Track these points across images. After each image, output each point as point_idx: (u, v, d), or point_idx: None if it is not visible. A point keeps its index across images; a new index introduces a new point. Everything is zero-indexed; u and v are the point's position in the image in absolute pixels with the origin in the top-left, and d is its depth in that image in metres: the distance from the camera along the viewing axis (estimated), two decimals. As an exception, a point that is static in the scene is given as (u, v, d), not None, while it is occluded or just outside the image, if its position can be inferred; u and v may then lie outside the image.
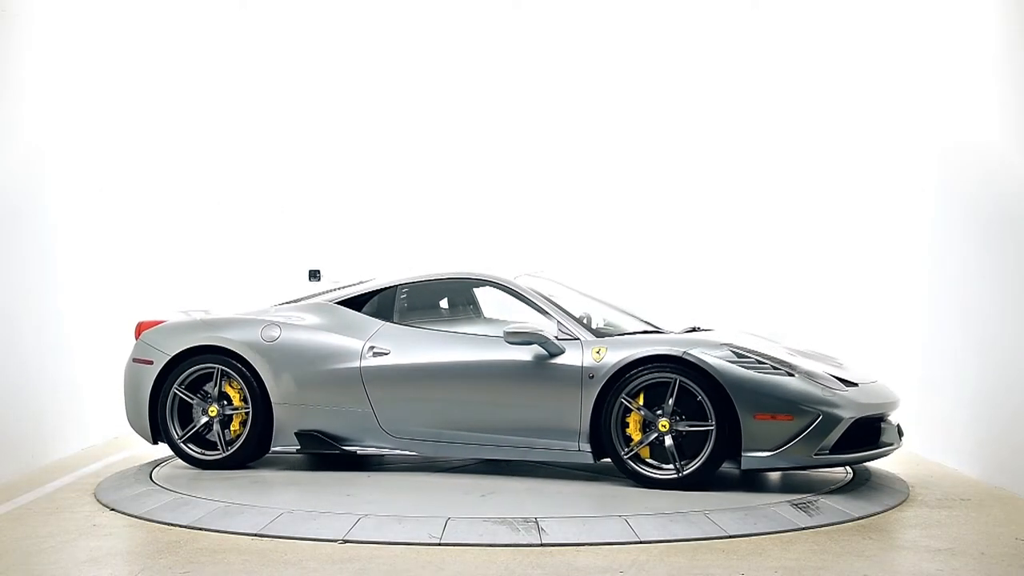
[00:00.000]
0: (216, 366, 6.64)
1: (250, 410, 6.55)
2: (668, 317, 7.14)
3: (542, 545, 4.66)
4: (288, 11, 9.96)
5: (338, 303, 6.81)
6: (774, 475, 6.11)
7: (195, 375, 6.71)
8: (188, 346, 6.71)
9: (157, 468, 6.63)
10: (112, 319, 8.64)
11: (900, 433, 6.05)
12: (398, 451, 6.39)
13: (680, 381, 5.70)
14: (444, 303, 7.04)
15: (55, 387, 7.38)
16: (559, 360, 6.02)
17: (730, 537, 4.78)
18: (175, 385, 6.69)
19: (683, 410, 5.73)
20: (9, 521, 5.33)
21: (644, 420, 5.79)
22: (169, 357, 6.72)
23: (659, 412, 5.76)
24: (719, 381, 5.61)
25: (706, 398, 5.64)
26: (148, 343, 6.87)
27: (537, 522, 4.95)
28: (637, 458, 5.81)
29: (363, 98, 10.05)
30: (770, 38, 9.92)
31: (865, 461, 5.85)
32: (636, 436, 5.81)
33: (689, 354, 5.69)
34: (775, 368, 5.65)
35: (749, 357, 5.68)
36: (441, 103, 10.12)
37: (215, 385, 6.66)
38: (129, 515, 5.38)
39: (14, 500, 5.86)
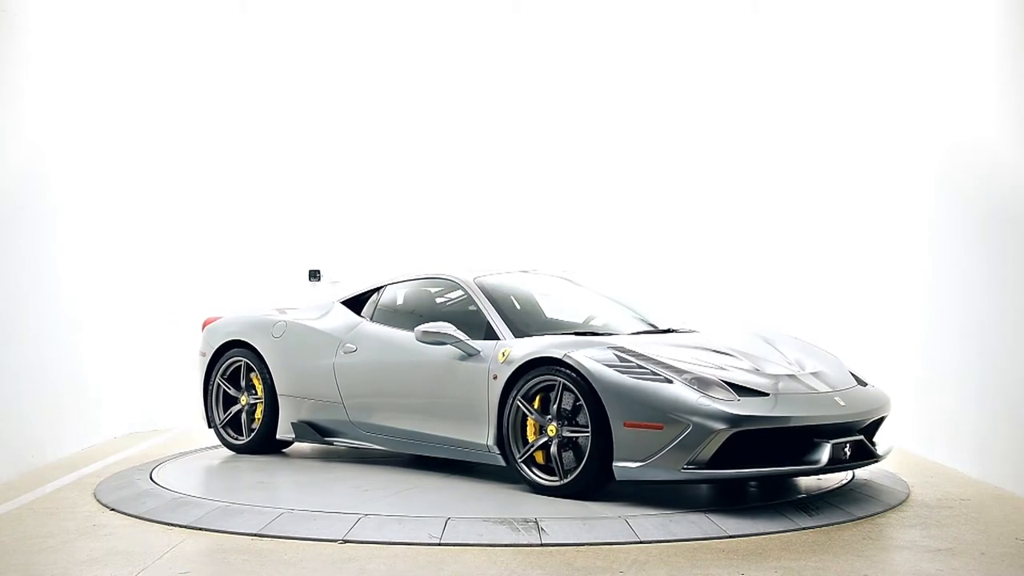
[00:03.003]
0: (242, 359, 7.23)
1: (263, 400, 7.09)
2: (670, 315, 7.11)
3: (542, 545, 4.65)
4: (288, 13, 9.96)
5: (342, 302, 7.15)
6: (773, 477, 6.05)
7: (232, 367, 7.31)
8: (224, 340, 7.34)
9: (157, 468, 6.64)
10: (113, 318, 8.65)
11: (860, 452, 5.44)
12: (366, 445, 6.68)
13: (564, 384, 5.45)
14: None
15: (55, 387, 7.38)
16: (472, 361, 6.01)
17: (730, 537, 4.78)
18: (217, 376, 7.35)
19: (575, 415, 5.46)
20: (9, 521, 5.33)
21: (538, 424, 5.62)
22: (213, 350, 7.37)
23: (549, 416, 5.55)
24: (593, 385, 5.33)
25: (585, 403, 5.35)
26: (204, 338, 7.53)
27: (537, 522, 4.95)
28: (532, 462, 5.64)
29: (364, 99, 10.05)
30: (770, 39, 9.92)
31: (754, 478, 5.38)
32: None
33: (569, 356, 5.44)
34: (654, 374, 5.27)
35: (631, 361, 5.36)
36: (442, 104, 10.13)
37: (243, 377, 7.24)
38: (129, 515, 5.38)
39: (14, 500, 5.86)
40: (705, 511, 5.19)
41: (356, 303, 7.07)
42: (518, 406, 5.67)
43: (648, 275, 9.75)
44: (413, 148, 10.14)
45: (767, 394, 5.32)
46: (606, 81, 10.14)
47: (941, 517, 5.26)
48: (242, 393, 7.23)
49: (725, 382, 5.31)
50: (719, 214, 10.03)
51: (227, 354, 7.29)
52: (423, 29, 10.09)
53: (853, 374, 6.01)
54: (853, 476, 6.10)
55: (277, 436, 7.05)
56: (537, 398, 5.62)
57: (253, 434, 7.14)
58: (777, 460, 5.19)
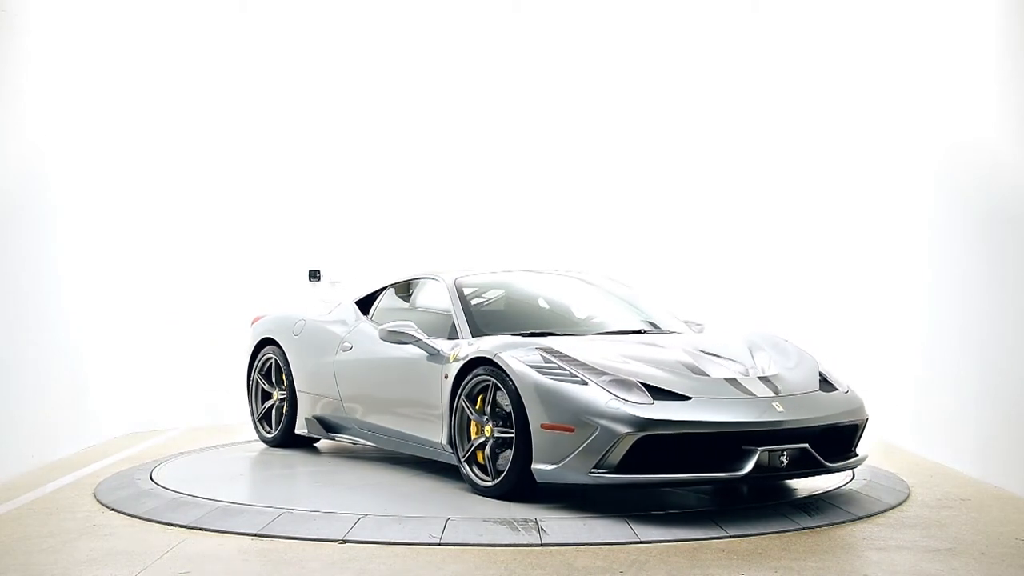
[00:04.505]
0: (273, 356, 7.51)
1: (286, 396, 7.38)
2: (676, 315, 7.04)
3: (542, 545, 4.65)
4: (289, 13, 9.95)
5: (355, 302, 7.31)
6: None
7: (267, 364, 7.59)
8: (260, 338, 7.66)
9: (157, 468, 6.64)
10: (113, 318, 8.65)
11: (799, 462, 5.17)
12: (360, 441, 6.84)
13: (495, 384, 5.46)
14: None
15: (55, 387, 7.38)
16: (432, 360, 6.07)
17: (730, 537, 4.78)
18: (255, 372, 7.65)
19: (510, 416, 5.41)
20: (9, 521, 5.33)
21: (479, 424, 5.61)
22: (252, 347, 7.70)
23: (486, 417, 5.56)
24: (516, 386, 5.32)
25: (511, 403, 5.34)
26: (250, 335, 7.83)
27: (537, 522, 4.95)
28: (474, 461, 5.64)
29: (364, 99, 10.04)
30: (770, 39, 9.91)
31: (667, 484, 5.18)
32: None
33: (499, 357, 5.45)
34: (573, 375, 5.22)
35: (554, 363, 5.32)
36: (442, 104, 10.12)
37: (274, 373, 7.54)
38: (129, 515, 5.38)
39: (14, 500, 5.86)
40: (705, 511, 5.19)
41: (366, 303, 7.24)
42: (462, 406, 5.71)
43: (653, 275, 9.68)
44: (413, 148, 10.13)
45: (688, 397, 5.18)
46: (607, 81, 10.13)
47: (941, 517, 5.26)
48: (275, 389, 7.52)
49: (645, 385, 5.19)
50: (719, 214, 10.03)
51: (263, 351, 7.61)
52: (423, 29, 10.08)
53: (827, 379, 5.73)
54: (853, 476, 6.08)
55: (295, 431, 7.31)
56: (479, 398, 5.64)
57: (279, 428, 7.43)
58: (696, 466, 5.05)
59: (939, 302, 6.98)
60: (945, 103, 6.92)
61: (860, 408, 5.64)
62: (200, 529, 5.03)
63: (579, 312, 6.80)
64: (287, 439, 7.38)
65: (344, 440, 7.00)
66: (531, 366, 5.33)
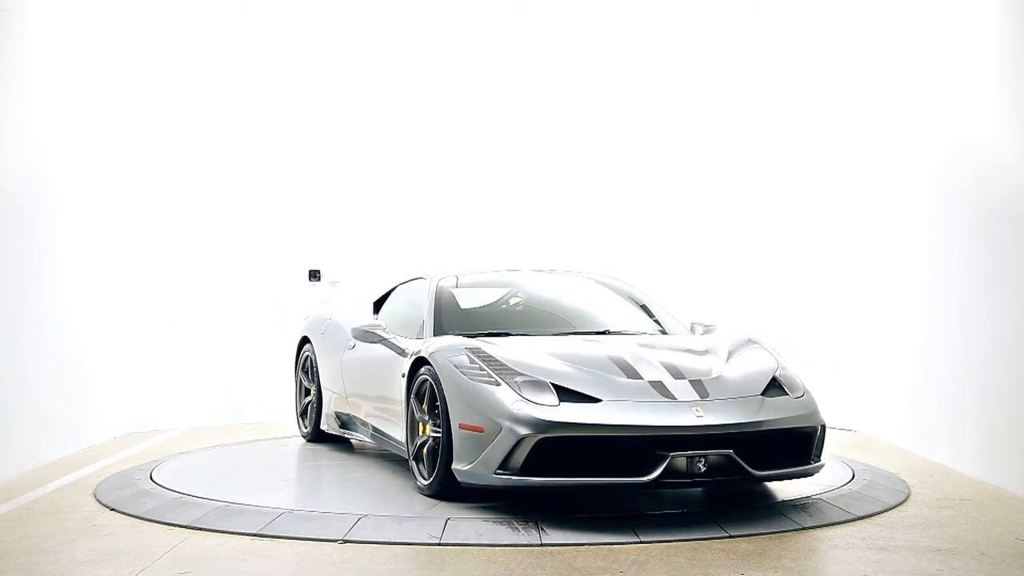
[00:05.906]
0: (309, 354, 7.74)
1: (317, 392, 7.58)
2: (681, 318, 7.00)
3: (542, 545, 4.65)
4: (289, 13, 9.95)
5: (373, 302, 7.43)
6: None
7: (306, 361, 7.80)
8: (301, 336, 7.92)
9: (157, 468, 6.64)
10: (113, 318, 8.64)
11: (725, 469, 5.02)
12: (362, 439, 6.91)
13: (431, 384, 5.50)
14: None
15: (55, 387, 7.38)
16: (400, 359, 6.10)
17: (730, 537, 4.78)
18: (297, 369, 7.91)
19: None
20: (9, 521, 5.33)
21: (423, 423, 5.63)
22: (296, 345, 7.96)
23: (426, 417, 5.59)
24: (442, 386, 5.37)
25: (439, 403, 5.38)
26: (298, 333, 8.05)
27: (537, 522, 4.95)
28: (420, 460, 5.65)
29: (364, 99, 10.04)
30: (770, 39, 9.91)
31: (572, 488, 5.07)
32: None
33: (432, 356, 5.51)
34: (489, 376, 5.21)
35: (476, 363, 5.32)
36: (442, 104, 10.12)
37: (310, 370, 7.73)
38: (129, 515, 5.38)
39: (14, 500, 5.86)
40: (705, 511, 5.19)
41: (380, 303, 7.37)
42: (412, 405, 5.74)
43: (663, 276, 9.64)
44: (414, 148, 10.13)
45: (599, 400, 5.10)
46: (607, 81, 10.14)
47: (941, 517, 5.26)
48: (312, 385, 7.69)
49: (556, 386, 5.13)
50: (719, 214, 10.02)
51: (303, 348, 7.87)
52: (423, 29, 10.08)
53: (780, 384, 5.46)
54: (853, 476, 6.09)
55: (320, 427, 7.49)
56: (425, 397, 5.65)
57: (310, 425, 7.67)
58: (604, 470, 4.93)
59: (939, 302, 6.98)
60: (945, 103, 6.92)
61: (811, 414, 5.38)
62: (200, 529, 5.03)
63: (553, 312, 6.77)
64: (317, 435, 7.59)
65: (352, 437, 7.10)
66: (456, 366, 5.36)
